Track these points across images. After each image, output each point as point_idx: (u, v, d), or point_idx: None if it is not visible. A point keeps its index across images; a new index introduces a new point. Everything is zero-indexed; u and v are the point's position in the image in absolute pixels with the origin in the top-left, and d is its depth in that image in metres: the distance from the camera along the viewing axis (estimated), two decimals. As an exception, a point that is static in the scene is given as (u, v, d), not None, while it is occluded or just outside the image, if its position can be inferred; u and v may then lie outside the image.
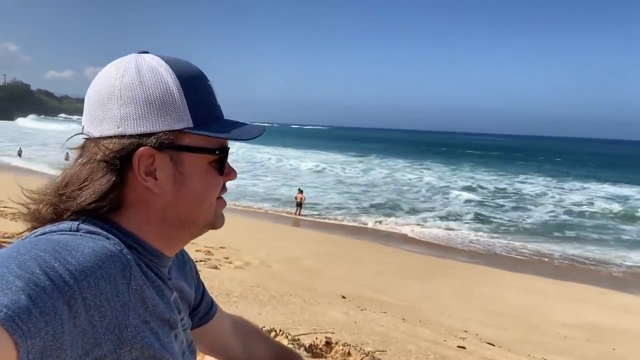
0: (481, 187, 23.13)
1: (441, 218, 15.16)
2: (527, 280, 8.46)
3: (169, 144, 0.73)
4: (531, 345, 5.19)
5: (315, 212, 15.41)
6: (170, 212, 0.76)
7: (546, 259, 10.60)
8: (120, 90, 0.72)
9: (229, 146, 0.81)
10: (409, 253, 10.43)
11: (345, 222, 14.15)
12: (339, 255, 9.61)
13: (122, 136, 0.71)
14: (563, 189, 24.05)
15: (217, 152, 0.78)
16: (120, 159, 0.71)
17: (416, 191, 21.47)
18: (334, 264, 8.71)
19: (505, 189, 23.28)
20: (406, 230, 13.04)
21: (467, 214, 16.19)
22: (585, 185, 25.45)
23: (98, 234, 0.68)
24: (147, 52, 0.78)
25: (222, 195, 0.82)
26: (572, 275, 9.23)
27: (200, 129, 0.75)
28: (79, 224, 0.69)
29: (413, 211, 16.23)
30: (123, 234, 0.71)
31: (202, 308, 0.98)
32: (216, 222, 0.82)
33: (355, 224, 13.96)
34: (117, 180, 0.71)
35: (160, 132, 0.72)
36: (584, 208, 18.58)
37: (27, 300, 0.51)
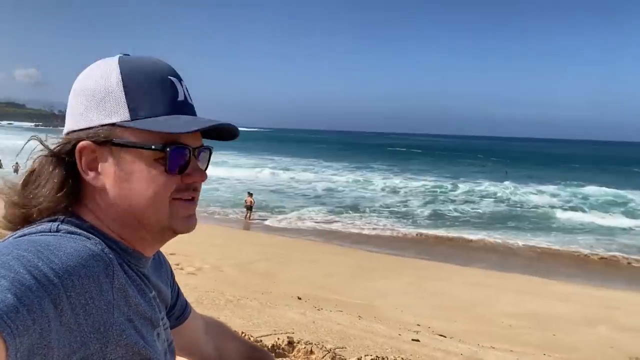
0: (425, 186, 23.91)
1: (387, 217, 15.55)
2: (473, 274, 8.84)
3: (105, 138, 0.71)
4: (480, 335, 5.44)
5: (266, 214, 15.38)
6: (118, 210, 0.73)
7: (491, 251, 11.13)
8: (75, 88, 0.75)
9: (186, 143, 0.74)
10: (360, 252, 10.62)
11: (297, 224, 14.20)
12: (291, 257, 9.64)
13: (68, 132, 0.73)
14: (504, 186, 25.15)
15: (154, 147, 0.72)
16: (66, 152, 0.71)
17: (363, 192, 21.86)
18: (288, 266, 8.74)
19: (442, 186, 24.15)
20: (356, 230, 13.28)
21: (417, 212, 16.70)
22: (522, 183, 26.69)
23: (78, 234, 0.67)
24: (127, 55, 0.76)
25: (188, 198, 0.76)
26: (515, 266, 9.74)
27: (137, 123, 0.71)
28: (58, 225, 0.68)
29: (361, 211, 16.53)
30: (101, 234, 0.70)
31: (177, 309, 0.98)
32: (174, 225, 0.75)
33: (306, 226, 14.05)
34: (66, 173, 0.71)
35: (97, 126, 0.71)
36: (519, 203, 19.68)
37: (14, 299, 0.50)
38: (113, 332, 0.63)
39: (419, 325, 5.55)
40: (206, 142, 0.80)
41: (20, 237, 0.65)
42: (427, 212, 16.92)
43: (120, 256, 0.71)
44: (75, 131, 0.72)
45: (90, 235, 0.68)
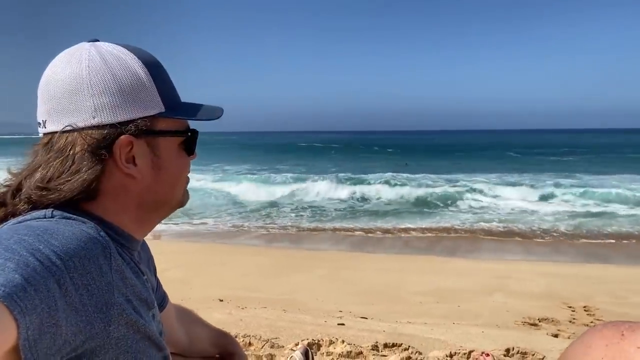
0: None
1: (297, 214, 15.81)
2: (381, 260, 9.37)
3: (146, 130, 0.75)
4: (396, 314, 5.84)
5: (174, 222, 14.86)
6: (148, 196, 0.78)
7: (394, 236, 11.82)
8: (90, 80, 0.71)
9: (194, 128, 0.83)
10: (273, 250, 10.72)
11: (204, 229, 13.91)
12: (204, 261, 9.47)
13: (99, 126, 0.71)
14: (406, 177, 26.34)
15: (189, 133, 0.82)
16: (104, 148, 0.72)
17: (267, 194, 21.91)
18: (202, 270, 8.58)
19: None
20: (264, 231, 13.35)
21: (327, 207, 17.14)
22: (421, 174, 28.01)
23: (74, 219, 0.69)
24: (98, 40, 0.77)
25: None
26: (418, 249, 10.48)
27: (171, 113, 0.78)
28: (52, 211, 0.69)
29: (266, 213, 16.61)
30: (94, 219, 0.72)
31: (158, 297, 1.01)
32: (184, 200, 0.86)
33: (216, 229, 13.83)
34: (102, 168, 0.72)
35: (137, 119, 0.74)
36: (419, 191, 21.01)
37: (21, 279, 0.51)
38: (114, 312, 0.65)
39: (341, 311, 5.82)
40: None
41: (16, 224, 0.66)
42: (337, 206, 17.45)
43: (114, 240, 0.73)
44: (106, 126, 0.72)
45: (85, 220, 0.70)
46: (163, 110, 0.77)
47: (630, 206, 15.51)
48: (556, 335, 5.24)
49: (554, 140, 79.08)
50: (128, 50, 0.76)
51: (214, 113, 0.82)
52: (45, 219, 0.68)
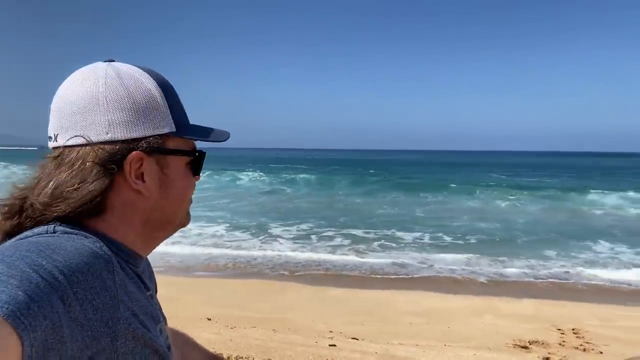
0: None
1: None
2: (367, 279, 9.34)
3: (157, 148, 0.76)
4: (387, 334, 5.79)
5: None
6: (154, 214, 0.78)
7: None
8: (106, 97, 0.73)
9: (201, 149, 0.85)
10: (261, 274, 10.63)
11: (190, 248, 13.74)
12: (191, 282, 9.34)
13: (112, 141, 0.72)
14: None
15: (197, 154, 0.83)
16: (114, 162, 0.72)
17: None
18: (188, 289, 8.47)
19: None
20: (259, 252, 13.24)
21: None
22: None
23: (76, 234, 0.69)
24: (114, 60, 0.80)
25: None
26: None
27: (182, 133, 0.80)
28: (54, 227, 0.69)
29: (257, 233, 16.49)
30: (97, 235, 0.72)
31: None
32: (186, 221, 0.87)
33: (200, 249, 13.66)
34: (109, 183, 0.72)
35: (150, 137, 0.75)
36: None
37: (25, 296, 0.51)
38: (121, 326, 0.65)
39: (331, 331, 5.76)
40: None
41: (18, 240, 0.66)
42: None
43: (117, 255, 0.73)
44: (118, 141, 0.73)
45: (88, 235, 0.70)
46: (174, 129, 0.78)
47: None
48: (547, 359, 5.23)
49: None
50: (143, 70, 0.78)
51: (222, 136, 0.85)
52: (47, 235, 0.68)
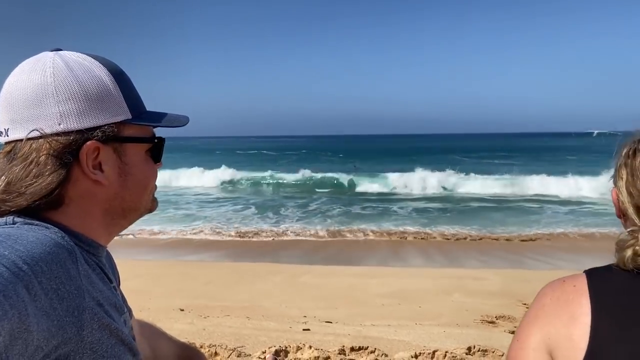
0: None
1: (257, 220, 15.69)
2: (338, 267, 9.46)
3: (113, 137, 0.75)
4: (360, 317, 5.89)
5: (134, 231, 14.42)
6: (115, 202, 0.78)
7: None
8: (56, 88, 0.71)
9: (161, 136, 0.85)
10: (232, 259, 10.60)
11: (161, 237, 13.57)
12: (162, 273, 9.24)
13: (66, 132, 0.71)
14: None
15: (155, 140, 0.83)
16: (70, 153, 0.71)
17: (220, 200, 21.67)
18: (161, 281, 8.37)
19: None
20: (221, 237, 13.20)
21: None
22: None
23: (36, 225, 0.68)
24: (61, 49, 0.78)
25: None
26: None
27: (138, 119, 0.79)
28: (13, 218, 0.68)
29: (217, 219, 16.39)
30: (57, 226, 0.71)
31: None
32: (153, 206, 0.87)
33: (171, 237, 13.51)
34: (66, 175, 0.71)
35: (104, 126, 0.74)
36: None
37: None
38: (86, 316, 0.65)
39: (305, 316, 5.81)
40: None
41: None
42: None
43: (79, 246, 0.73)
44: (72, 132, 0.72)
45: (48, 225, 0.69)
46: (130, 117, 0.78)
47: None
48: (513, 332, 5.41)
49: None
50: (93, 58, 0.77)
51: (180, 121, 0.84)
52: (6, 226, 0.67)
